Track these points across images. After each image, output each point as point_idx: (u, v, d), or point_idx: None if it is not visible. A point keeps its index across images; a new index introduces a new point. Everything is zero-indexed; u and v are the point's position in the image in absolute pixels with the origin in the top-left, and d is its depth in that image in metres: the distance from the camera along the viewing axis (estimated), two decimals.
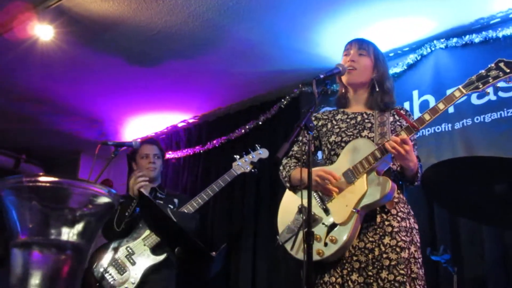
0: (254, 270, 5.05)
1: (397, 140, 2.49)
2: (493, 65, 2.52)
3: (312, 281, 2.22)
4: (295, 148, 3.01)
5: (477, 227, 3.72)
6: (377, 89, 2.86)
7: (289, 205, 2.85)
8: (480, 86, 2.51)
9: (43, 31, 4.45)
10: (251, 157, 4.40)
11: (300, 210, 2.71)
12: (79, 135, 6.93)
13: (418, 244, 2.64)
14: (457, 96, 2.55)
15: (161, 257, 3.91)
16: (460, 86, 2.56)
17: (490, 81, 2.50)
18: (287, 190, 2.95)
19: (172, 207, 4.14)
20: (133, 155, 4.39)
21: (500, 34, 4.06)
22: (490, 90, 3.91)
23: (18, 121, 6.41)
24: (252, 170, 4.39)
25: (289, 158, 2.99)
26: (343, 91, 3.00)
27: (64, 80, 5.46)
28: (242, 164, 4.36)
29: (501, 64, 2.50)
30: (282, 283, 4.78)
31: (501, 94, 3.93)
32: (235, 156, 4.41)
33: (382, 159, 2.58)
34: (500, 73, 2.49)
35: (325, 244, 2.56)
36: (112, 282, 3.82)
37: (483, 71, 2.53)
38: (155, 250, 3.94)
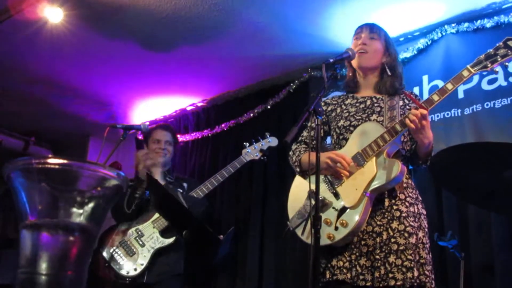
0: (262, 254, 5.06)
1: (417, 114, 2.48)
2: (501, 43, 2.52)
3: (320, 265, 2.23)
4: (305, 133, 3.01)
5: (485, 213, 3.71)
6: (389, 74, 2.86)
7: (299, 190, 2.86)
8: (489, 65, 2.50)
9: (52, 13, 4.45)
10: (260, 144, 4.43)
11: (310, 195, 2.71)
12: (88, 117, 6.95)
13: (426, 230, 2.64)
14: (465, 76, 2.54)
15: (170, 240, 3.94)
16: (468, 66, 2.55)
17: (499, 59, 2.49)
18: (297, 176, 2.95)
19: (181, 191, 4.16)
20: (146, 138, 4.42)
21: None
22: (500, 75, 3.92)
23: (27, 104, 6.43)
24: (261, 158, 4.42)
25: (298, 144, 3.00)
26: (351, 75, 2.99)
27: (73, 63, 5.46)
28: (251, 152, 4.39)
29: (510, 43, 2.51)
30: (290, 267, 4.80)
31: None
32: (244, 143, 4.43)
33: (392, 141, 2.57)
34: (509, 51, 2.49)
35: (336, 228, 2.57)
36: (121, 263, 3.85)
37: (491, 50, 2.53)
38: (164, 233, 3.97)
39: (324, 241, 2.50)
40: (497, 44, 2.52)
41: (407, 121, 2.51)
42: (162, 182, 4.12)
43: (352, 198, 2.58)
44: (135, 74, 5.70)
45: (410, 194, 2.66)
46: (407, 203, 2.61)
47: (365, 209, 2.54)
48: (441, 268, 3.79)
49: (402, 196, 2.62)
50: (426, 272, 2.49)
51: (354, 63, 2.90)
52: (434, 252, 3.61)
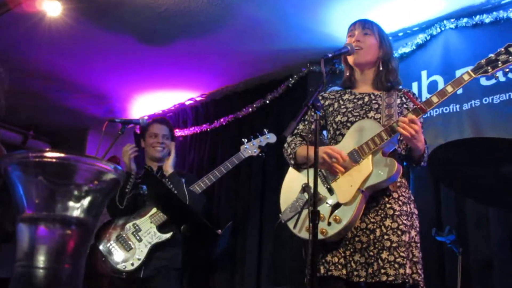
0: (260, 249, 5.08)
1: (406, 121, 2.49)
2: (502, 49, 2.52)
3: (318, 261, 2.23)
4: (301, 126, 3.00)
5: (483, 209, 3.72)
6: (381, 68, 2.87)
7: (292, 183, 2.84)
8: (489, 70, 2.51)
9: (51, 7, 4.44)
10: (259, 141, 4.42)
11: (304, 189, 2.70)
12: (87, 112, 6.95)
13: (418, 229, 2.66)
14: (466, 80, 2.54)
15: (168, 235, 3.94)
16: (469, 70, 2.55)
17: (499, 65, 2.49)
18: (290, 168, 2.94)
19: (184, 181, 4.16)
20: (143, 132, 4.40)
21: (511, 15, 4.01)
22: (499, 72, 3.93)
23: (26, 97, 6.42)
24: (260, 154, 4.42)
25: (294, 136, 2.98)
26: (348, 73, 2.99)
27: (72, 57, 5.46)
28: (249, 148, 4.38)
29: (511, 49, 2.50)
30: (287, 262, 4.81)
31: (510, 75, 3.90)
32: (243, 139, 4.43)
33: (389, 140, 2.57)
34: (510, 57, 2.49)
35: (329, 224, 2.57)
36: (118, 258, 3.85)
37: (492, 55, 2.53)
38: (161, 228, 3.96)
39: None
40: (499, 50, 2.52)
41: (399, 128, 2.51)
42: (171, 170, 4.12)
43: (347, 195, 2.58)
44: (134, 68, 5.70)
45: (403, 193, 2.67)
46: (400, 202, 2.62)
47: (359, 206, 2.54)
48: (439, 263, 3.81)
49: (395, 195, 2.63)
50: (419, 271, 2.51)
51: (350, 60, 2.89)
52: (432, 248, 3.65)
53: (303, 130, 2.96)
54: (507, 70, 2.53)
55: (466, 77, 2.55)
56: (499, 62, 2.49)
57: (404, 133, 2.49)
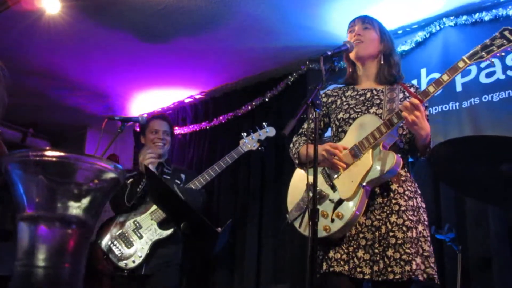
0: (260, 246, 5.07)
1: (407, 105, 2.47)
2: (497, 34, 2.49)
3: (316, 257, 2.23)
4: (305, 125, 3.01)
5: (483, 207, 3.72)
6: (383, 62, 2.87)
7: (298, 183, 2.86)
8: (485, 56, 2.48)
9: (50, 4, 4.43)
10: (258, 135, 4.41)
11: (308, 188, 2.71)
12: (86, 109, 6.94)
13: (426, 223, 2.63)
14: (461, 67, 2.51)
15: (168, 232, 3.94)
16: (464, 57, 2.52)
17: (495, 50, 2.46)
18: (297, 169, 2.95)
19: (178, 182, 4.16)
20: (143, 129, 4.39)
21: (511, 12, 4.01)
22: (498, 68, 3.92)
23: (25, 95, 6.40)
24: (259, 148, 4.41)
25: (298, 136, 3.00)
26: (351, 70, 2.99)
27: (71, 54, 5.45)
28: (249, 142, 4.38)
29: (506, 33, 2.47)
30: (288, 259, 4.81)
31: (509, 73, 3.90)
32: (242, 133, 4.42)
33: (388, 133, 2.57)
34: (505, 41, 2.44)
35: (332, 220, 2.57)
36: (119, 255, 3.85)
37: (487, 40, 2.49)
38: (162, 225, 3.96)
39: (320, 233, 2.49)
40: (494, 35, 2.49)
41: (402, 109, 2.50)
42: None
43: (348, 190, 2.58)
44: (133, 66, 5.69)
45: (409, 187, 2.65)
46: (406, 197, 2.60)
47: (361, 201, 2.53)
48: (439, 261, 3.79)
49: (401, 190, 2.62)
50: (432, 265, 2.48)
51: (352, 55, 2.89)
52: (431, 245, 3.63)
53: (307, 130, 2.96)
54: (503, 54, 2.50)
55: (461, 64, 2.52)
56: (494, 47, 2.46)
57: (406, 116, 2.46)
